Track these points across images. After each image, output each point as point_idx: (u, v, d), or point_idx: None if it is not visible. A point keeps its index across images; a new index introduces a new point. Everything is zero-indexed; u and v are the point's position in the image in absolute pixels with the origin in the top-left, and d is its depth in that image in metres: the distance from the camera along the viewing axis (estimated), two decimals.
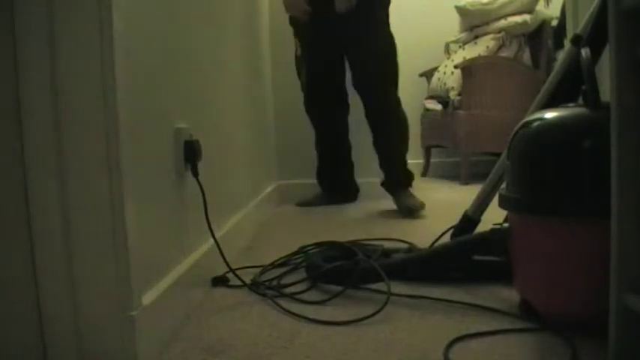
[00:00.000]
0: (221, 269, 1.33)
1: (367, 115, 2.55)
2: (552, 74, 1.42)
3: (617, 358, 0.80)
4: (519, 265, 1.08)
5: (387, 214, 2.41)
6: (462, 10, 3.70)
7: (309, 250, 1.57)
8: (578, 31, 1.34)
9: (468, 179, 3.35)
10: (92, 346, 0.85)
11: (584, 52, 1.01)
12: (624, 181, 0.77)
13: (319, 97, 2.66)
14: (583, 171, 0.95)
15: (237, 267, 1.38)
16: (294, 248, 1.62)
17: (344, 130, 2.75)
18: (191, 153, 1.19)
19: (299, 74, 2.68)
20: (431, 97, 3.84)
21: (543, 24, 3.48)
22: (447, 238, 1.52)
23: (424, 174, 3.95)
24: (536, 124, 1.03)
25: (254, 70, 2.40)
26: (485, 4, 3.59)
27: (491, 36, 3.56)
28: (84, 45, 0.82)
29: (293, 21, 2.57)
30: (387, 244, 1.61)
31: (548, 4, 3.46)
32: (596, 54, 1.18)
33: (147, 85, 1.00)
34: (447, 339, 0.97)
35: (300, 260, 1.51)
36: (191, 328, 1.07)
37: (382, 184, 2.57)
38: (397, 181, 2.52)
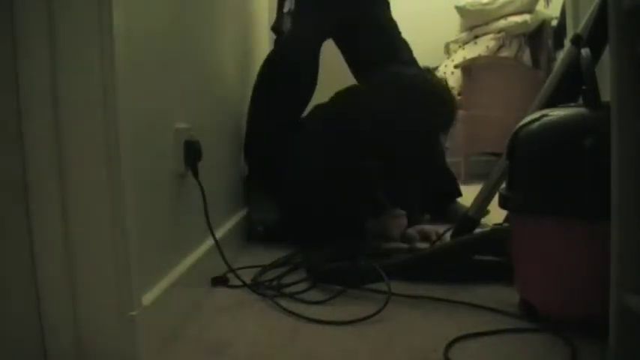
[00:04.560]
0: (221, 269, 1.32)
1: None
2: (552, 74, 1.42)
3: (617, 358, 0.80)
4: (519, 265, 1.07)
5: None
6: (462, 10, 3.71)
7: (309, 249, 1.57)
8: (579, 30, 1.34)
9: (468, 179, 3.35)
10: (92, 346, 0.85)
11: (584, 52, 1.01)
12: (624, 181, 0.77)
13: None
14: (583, 171, 0.95)
15: (237, 267, 1.38)
16: (295, 248, 1.62)
17: None
18: (191, 153, 1.19)
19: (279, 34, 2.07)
20: None
21: (543, 24, 3.48)
22: (446, 238, 1.53)
23: None
24: (536, 124, 1.03)
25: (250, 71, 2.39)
26: (485, 4, 3.59)
27: (491, 36, 3.57)
28: (84, 45, 0.82)
29: None
30: (388, 244, 1.61)
31: (548, 4, 3.47)
32: (596, 54, 1.18)
33: (147, 85, 1.00)
34: (447, 339, 0.96)
35: (300, 260, 1.51)
36: (191, 328, 1.07)
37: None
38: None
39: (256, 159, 1.99)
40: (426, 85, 1.70)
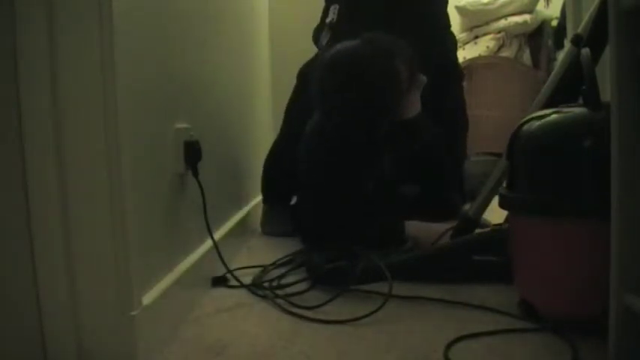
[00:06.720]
0: (221, 269, 1.32)
1: None
2: (552, 74, 1.42)
3: (617, 358, 0.80)
4: (519, 265, 1.08)
5: None
6: (462, 10, 3.70)
7: (309, 249, 1.57)
8: (579, 30, 1.34)
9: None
10: (92, 346, 0.85)
11: (584, 52, 1.01)
12: (624, 181, 0.77)
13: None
14: (583, 171, 0.95)
15: (237, 267, 1.37)
16: (295, 248, 1.62)
17: None
18: (191, 153, 1.19)
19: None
20: None
21: (543, 24, 3.48)
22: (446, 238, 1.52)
23: None
24: (536, 124, 1.03)
25: (251, 71, 2.40)
26: (486, 4, 3.59)
27: (491, 36, 3.57)
28: (84, 45, 0.82)
29: None
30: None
31: (548, 4, 3.47)
32: (596, 54, 1.18)
33: (147, 85, 1.00)
34: (447, 339, 0.97)
35: (300, 260, 1.50)
36: (191, 328, 1.07)
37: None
38: None
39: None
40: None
